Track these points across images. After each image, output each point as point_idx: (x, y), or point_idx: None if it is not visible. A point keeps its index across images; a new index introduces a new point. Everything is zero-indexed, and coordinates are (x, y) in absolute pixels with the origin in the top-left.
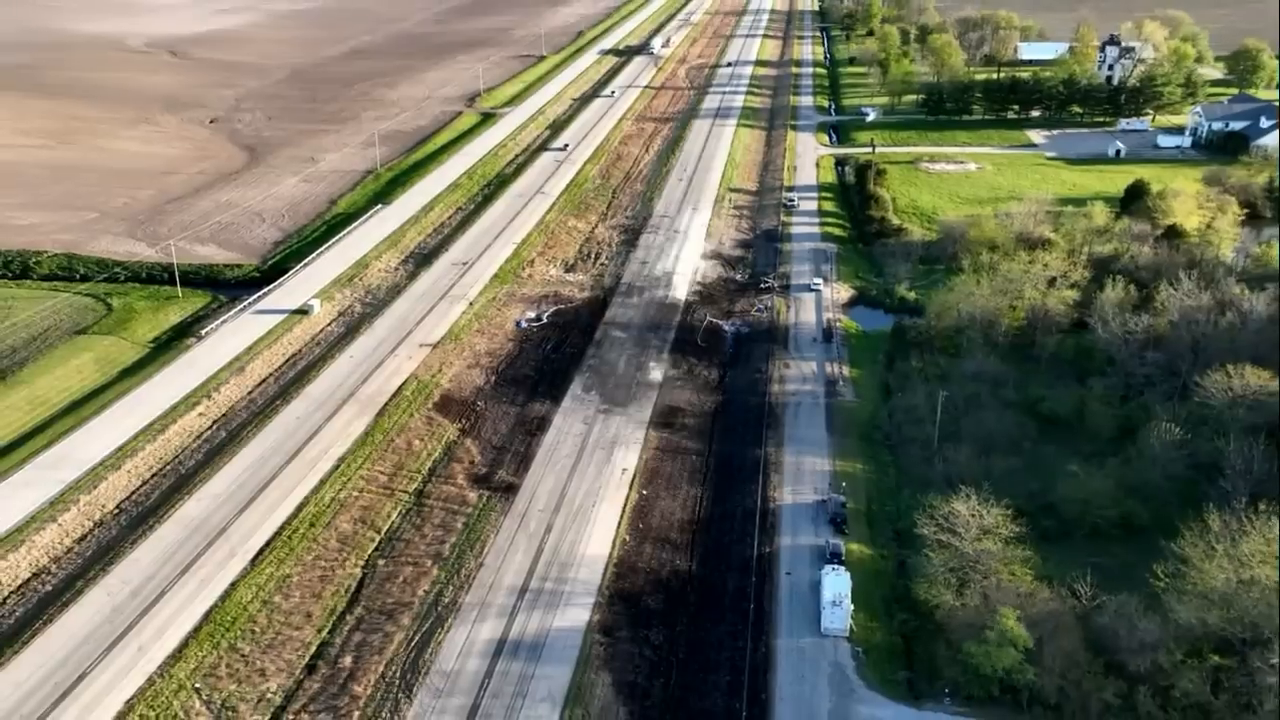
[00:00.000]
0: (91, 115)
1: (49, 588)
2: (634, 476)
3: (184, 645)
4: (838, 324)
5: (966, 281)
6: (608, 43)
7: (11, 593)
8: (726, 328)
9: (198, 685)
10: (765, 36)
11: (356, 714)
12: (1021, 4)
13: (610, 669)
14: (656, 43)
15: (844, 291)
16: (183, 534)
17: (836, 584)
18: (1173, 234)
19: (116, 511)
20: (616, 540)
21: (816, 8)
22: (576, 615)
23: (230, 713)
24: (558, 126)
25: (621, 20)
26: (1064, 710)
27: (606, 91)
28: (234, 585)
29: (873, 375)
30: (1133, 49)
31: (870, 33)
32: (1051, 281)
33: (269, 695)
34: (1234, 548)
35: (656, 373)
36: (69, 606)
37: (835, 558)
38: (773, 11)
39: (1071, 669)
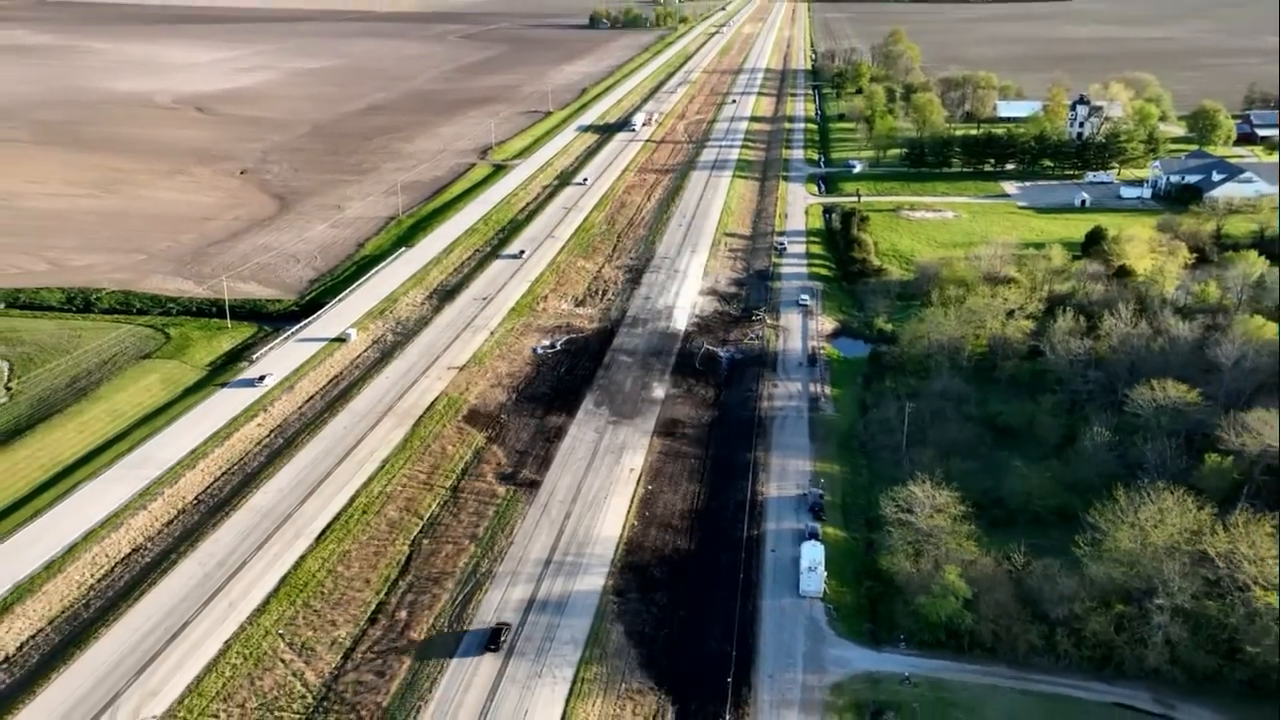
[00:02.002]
0: (131, 167)
1: (148, 559)
2: (640, 475)
3: (266, 602)
4: (821, 351)
5: (935, 313)
6: (608, 101)
7: (118, 563)
8: (722, 354)
9: (281, 631)
10: (760, 94)
11: (412, 655)
12: (1002, 64)
13: (622, 621)
14: (638, 119)
15: (828, 324)
16: (255, 519)
17: (812, 553)
18: (1122, 273)
19: (196, 502)
20: (626, 524)
21: (810, 67)
22: (593, 581)
23: (309, 651)
24: (566, 176)
25: (624, 78)
26: (997, 651)
27: (579, 179)
28: (302, 558)
29: (851, 394)
30: (1101, 108)
31: (859, 91)
32: (1010, 313)
33: (340, 639)
34: (1135, 515)
35: (659, 391)
36: (167, 573)
37: (813, 536)
38: (767, 70)
39: (1003, 617)
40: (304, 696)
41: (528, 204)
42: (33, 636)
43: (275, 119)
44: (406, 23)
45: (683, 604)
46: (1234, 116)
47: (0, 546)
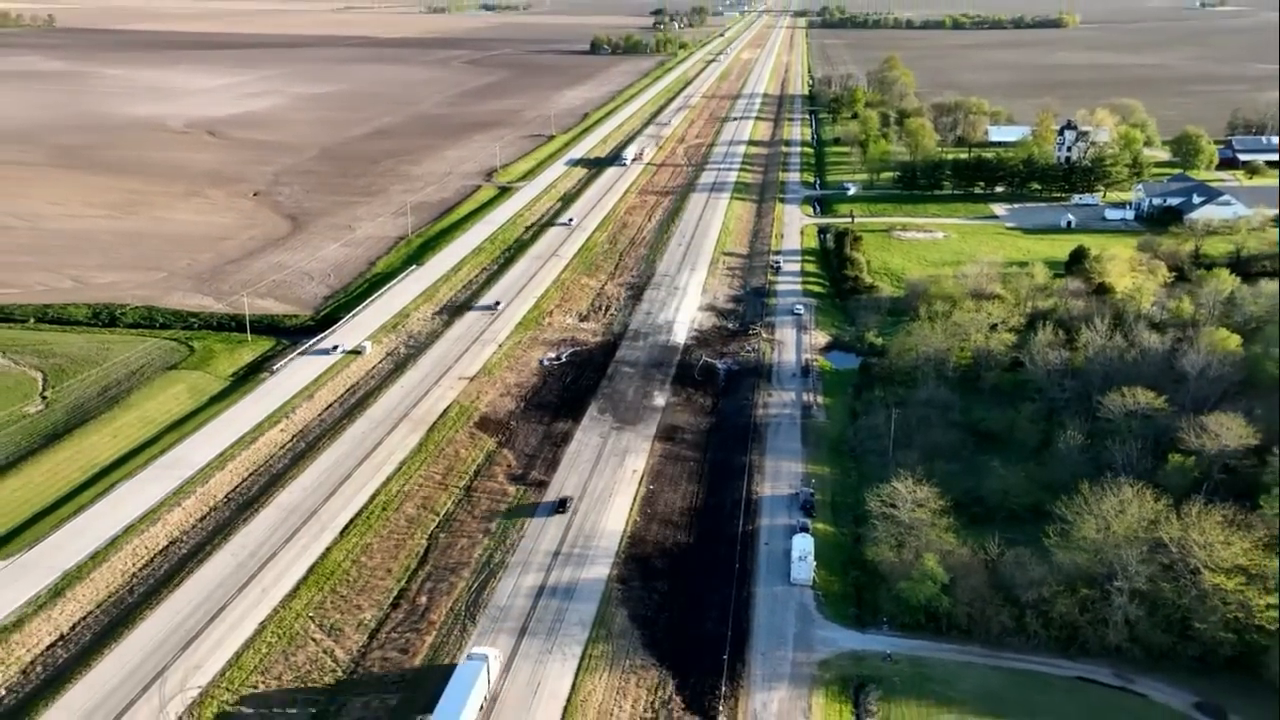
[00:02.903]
0: (147, 189)
1: (184, 550)
2: (643, 476)
3: (297, 588)
4: (814, 363)
5: (923, 327)
6: (610, 125)
7: (157, 554)
8: (719, 365)
9: (311, 614)
10: (758, 118)
11: (434, 633)
12: (995, 90)
13: (626, 605)
14: (629, 152)
15: (821, 338)
16: (282, 515)
17: (802, 544)
18: (1102, 290)
19: (226, 499)
20: (629, 520)
21: (807, 92)
22: (599, 570)
23: (338, 632)
24: (568, 198)
25: (626, 102)
26: (972, 631)
27: (563, 220)
28: (328, 550)
29: (842, 403)
30: (1087, 133)
31: (855, 116)
32: (994, 327)
33: (365, 621)
34: (1099, 507)
35: (660, 399)
36: (204, 563)
37: (803, 529)
38: (765, 95)
39: (978, 600)
40: (334, 670)
41: (531, 225)
42: (83, 618)
43: (284, 142)
44: (409, 48)
45: (682, 591)
46: (1217, 142)
47: (48, 539)
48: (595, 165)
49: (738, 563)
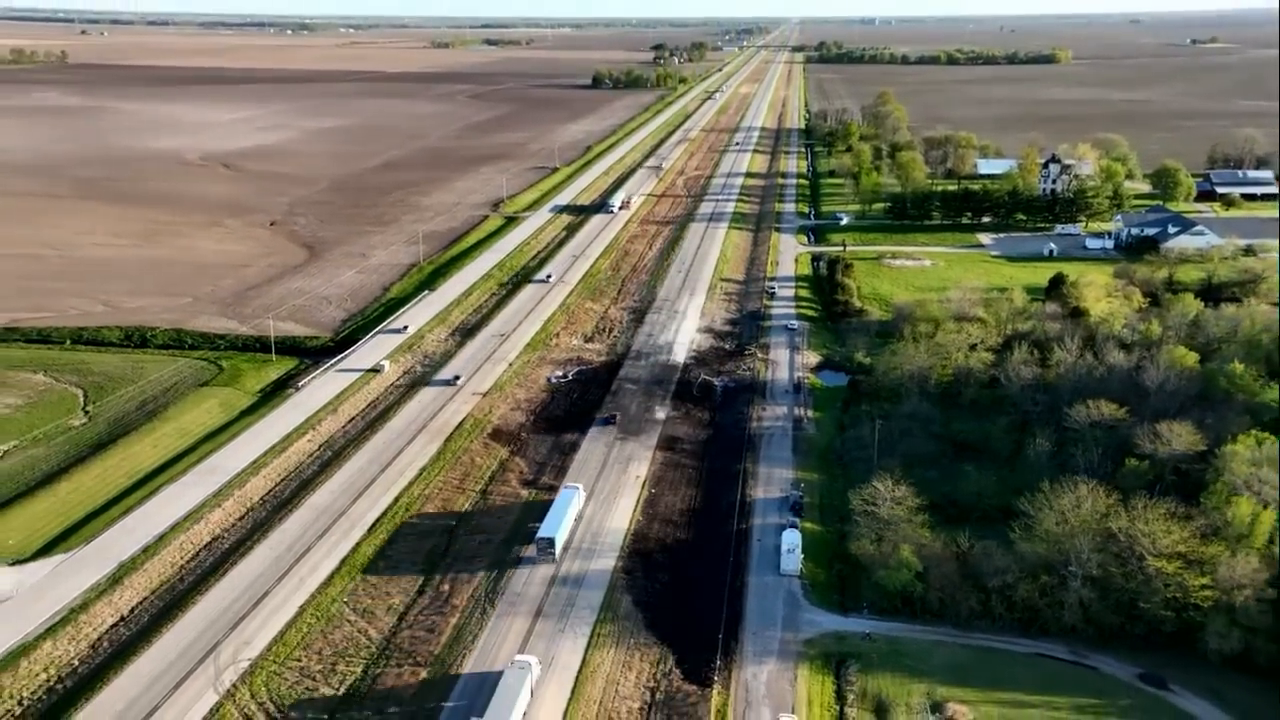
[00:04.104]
0: (169, 219)
1: (227, 545)
2: (645, 481)
3: (331, 578)
4: (806, 381)
5: (907, 346)
6: (612, 158)
7: (202, 548)
8: (717, 382)
9: (345, 600)
10: (755, 151)
11: (456, 616)
12: (985, 125)
13: (631, 592)
14: (616, 199)
15: (813, 358)
16: (314, 515)
17: (791, 538)
18: (1076, 313)
19: (261, 502)
20: (633, 520)
21: (804, 126)
22: (606, 562)
23: (370, 614)
24: (573, 228)
25: (627, 136)
26: (943, 614)
27: (542, 275)
28: (358, 545)
29: (831, 416)
30: (1070, 166)
31: (849, 149)
32: (973, 347)
33: (395, 606)
34: (1058, 502)
35: (661, 413)
36: (245, 556)
37: (793, 527)
38: (763, 129)
39: (948, 586)
40: (368, 646)
41: (538, 252)
42: (140, 601)
43: (297, 175)
44: (414, 82)
45: (682, 581)
46: (1195, 175)
47: (103, 535)
48: (581, 212)
49: (732, 556)
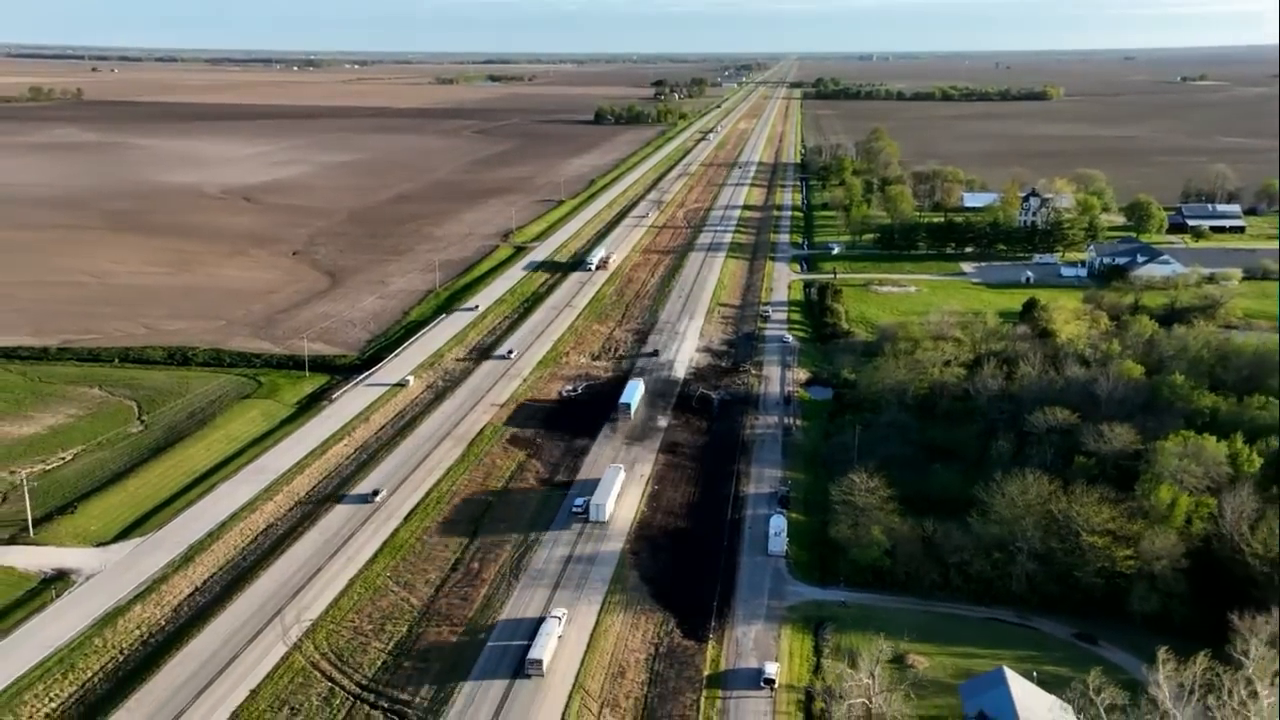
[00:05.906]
0: (196, 250)
1: (281, 531)
2: (649, 479)
3: (374, 556)
4: (795, 394)
5: (888, 362)
6: (616, 190)
7: (259, 534)
8: (714, 395)
9: (389, 575)
10: (753, 185)
11: (485, 587)
12: (973, 159)
13: (637, 569)
14: (595, 256)
15: (802, 374)
16: (355, 507)
17: (778, 522)
18: (1045, 334)
19: (306, 497)
20: (639, 510)
21: (799, 161)
22: (615, 545)
23: (410, 586)
24: (579, 253)
25: (629, 170)
26: (909, 586)
27: (501, 351)
28: (395, 531)
29: (818, 425)
30: (1049, 199)
31: (842, 183)
32: (947, 363)
33: (431, 579)
34: (1008, 489)
35: (662, 422)
36: (298, 539)
37: (780, 513)
38: (760, 164)
39: (913, 562)
40: (410, 612)
41: (547, 279)
42: (211, 575)
43: (315, 207)
44: (421, 118)
45: (682, 560)
46: (1168, 208)
47: (172, 523)
48: (558, 270)
49: (726, 540)
